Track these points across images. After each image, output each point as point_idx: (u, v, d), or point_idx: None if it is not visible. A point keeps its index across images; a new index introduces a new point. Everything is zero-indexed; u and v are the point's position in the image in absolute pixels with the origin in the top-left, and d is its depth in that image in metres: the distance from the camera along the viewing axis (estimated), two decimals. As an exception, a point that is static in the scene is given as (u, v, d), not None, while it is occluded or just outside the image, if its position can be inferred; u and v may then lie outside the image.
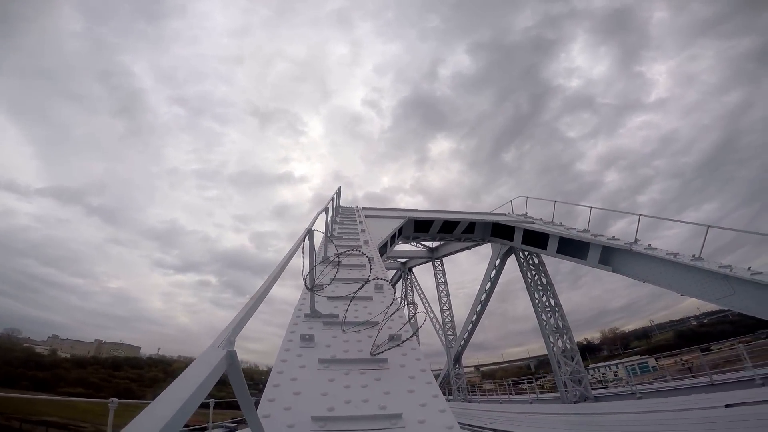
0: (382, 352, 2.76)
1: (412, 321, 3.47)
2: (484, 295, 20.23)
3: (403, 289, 30.71)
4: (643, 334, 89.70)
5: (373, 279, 4.23)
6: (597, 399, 13.52)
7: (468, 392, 23.87)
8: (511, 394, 20.73)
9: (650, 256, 9.57)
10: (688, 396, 8.24)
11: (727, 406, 5.82)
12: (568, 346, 14.80)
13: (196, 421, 11.83)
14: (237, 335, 1.40)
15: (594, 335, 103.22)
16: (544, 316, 15.34)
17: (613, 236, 11.45)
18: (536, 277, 16.07)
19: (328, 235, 5.93)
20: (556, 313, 15.28)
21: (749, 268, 8.15)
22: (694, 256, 9.06)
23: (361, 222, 9.55)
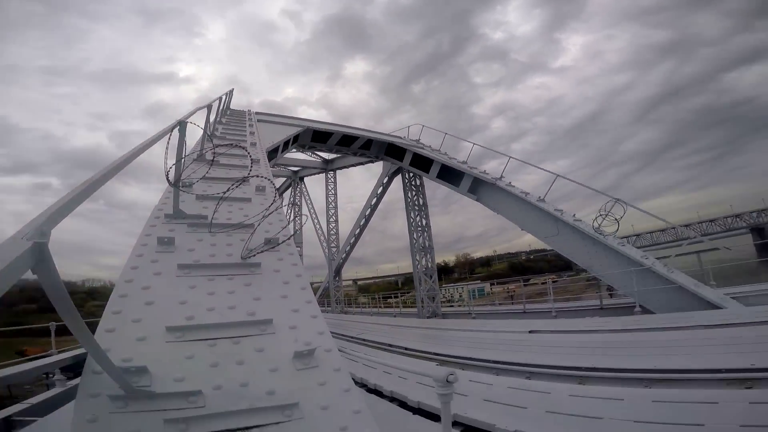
0: (255, 256, 2.53)
1: (293, 226, 3.07)
2: (369, 210, 21.03)
3: (291, 198, 30.10)
4: (486, 261, 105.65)
5: (254, 176, 3.75)
6: (444, 316, 16.01)
7: (345, 304, 25.16)
8: (380, 307, 22.65)
9: (508, 192, 11.24)
10: (506, 320, 9.76)
11: (530, 332, 7.11)
12: (430, 266, 17.05)
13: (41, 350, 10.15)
14: (54, 226, 1.07)
15: (450, 258, 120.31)
16: (415, 235, 17.09)
17: (485, 171, 12.99)
18: (415, 197, 17.44)
19: (209, 133, 5.25)
20: (425, 234, 17.17)
21: (574, 215, 10.21)
22: (539, 197, 10.91)
23: (251, 125, 8.75)
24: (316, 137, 15.57)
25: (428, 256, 17.14)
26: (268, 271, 2.50)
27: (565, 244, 9.84)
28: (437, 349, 6.74)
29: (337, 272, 24.81)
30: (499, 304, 19.45)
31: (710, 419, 2.62)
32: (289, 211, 30.01)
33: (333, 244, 25.24)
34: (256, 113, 12.66)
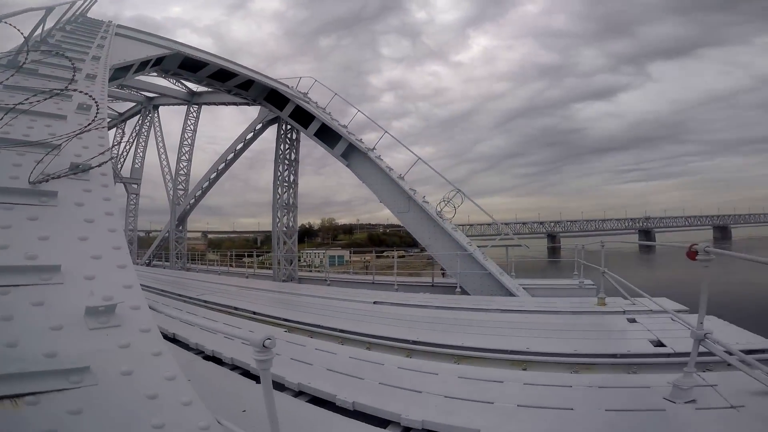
0: (47, 181, 2.03)
1: (116, 151, 2.14)
2: (232, 155, 18.71)
3: (137, 126, 24.80)
4: (349, 229, 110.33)
5: (76, 91, 3.04)
6: (300, 281, 15.42)
7: (188, 260, 22.26)
8: (231, 266, 20.43)
9: (375, 164, 11.29)
10: (357, 290, 9.80)
11: (374, 302, 7.43)
12: (291, 225, 16.17)
13: None
14: None
15: (316, 221, 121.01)
16: (279, 191, 15.90)
17: (360, 139, 12.76)
18: (288, 151, 16.17)
19: (39, 39, 4.49)
20: (291, 191, 16.16)
21: (424, 197, 10.87)
22: (400, 175, 11.27)
23: (104, 37, 7.12)
24: (186, 65, 12.98)
25: (291, 215, 16.25)
26: (67, 205, 2.05)
27: (413, 222, 10.48)
28: (287, 314, 6.41)
29: (181, 220, 21.53)
30: (354, 273, 20.00)
31: (498, 398, 2.86)
32: (130, 141, 24.94)
33: (180, 186, 21.73)
34: (118, 26, 10.24)
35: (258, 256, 23.02)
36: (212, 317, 6.53)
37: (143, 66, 10.84)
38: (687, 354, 3.38)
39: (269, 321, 6.30)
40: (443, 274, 11.73)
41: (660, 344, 3.93)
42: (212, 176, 19.51)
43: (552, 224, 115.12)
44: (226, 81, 14.40)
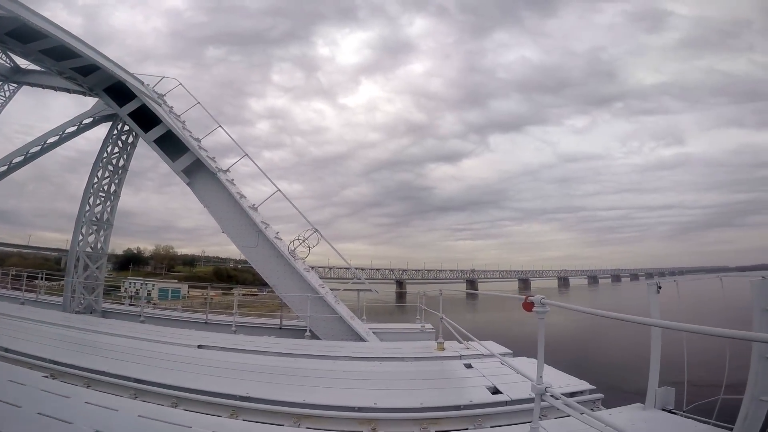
0: None
1: None
2: (39, 148, 14.16)
3: None
4: (191, 260, 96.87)
5: None
6: (104, 314, 11.99)
7: None
8: (7, 287, 15.48)
9: (224, 188, 9.81)
10: (183, 329, 8.35)
11: (199, 346, 6.23)
12: (100, 246, 12.57)
13: None
14: None
15: (148, 247, 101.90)
16: (91, 201, 12.37)
17: (213, 158, 11.13)
18: (117, 155, 12.96)
19: None
20: (108, 203, 12.78)
21: (277, 232, 9.95)
22: (253, 205, 10.12)
23: None
24: (17, 34, 9.63)
25: (101, 233, 12.69)
26: None
27: (260, 259, 9.30)
28: (56, 355, 4.74)
29: None
30: (183, 309, 16.70)
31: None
32: None
33: None
34: None
35: (54, 279, 17.04)
36: None
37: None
38: (522, 401, 3.46)
39: (24, 361, 4.57)
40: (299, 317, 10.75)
41: (497, 391, 4.06)
42: (3, 169, 14.23)
43: (400, 272, 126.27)
44: (61, 60, 10.88)
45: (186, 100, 12.29)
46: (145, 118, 11.36)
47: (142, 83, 12.78)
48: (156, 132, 11.02)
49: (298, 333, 8.76)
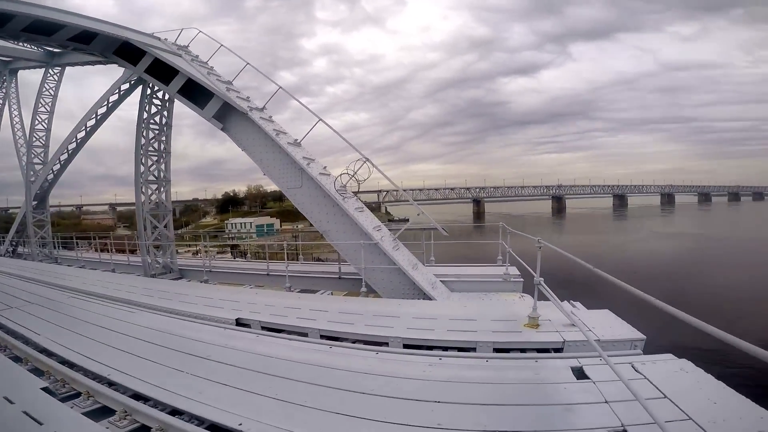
0: None
1: None
2: (94, 121, 14.91)
3: None
4: (279, 196, 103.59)
5: None
6: (181, 273, 12.41)
7: (57, 246, 18.20)
8: (98, 251, 16.94)
9: (258, 127, 8.43)
10: (238, 288, 8.18)
11: (237, 322, 5.61)
12: (164, 203, 12.65)
13: None
14: None
15: (242, 188, 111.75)
16: (144, 161, 12.21)
17: (248, 97, 9.73)
18: (157, 115, 12.40)
19: None
20: (161, 161, 12.56)
21: (325, 167, 8.48)
22: (296, 140, 8.66)
23: None
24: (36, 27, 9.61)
25: (162, 189, 12.71)
26: None
27: (307, 201, 8.01)
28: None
29: (41, 199, 17.68)
30: (247, 260, 16.82)
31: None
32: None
33: (37, 160, 17.70)
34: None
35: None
36: None
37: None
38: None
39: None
40: None
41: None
42: (71, 146, 15.76)
43: (477, 190, 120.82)
44: (51, 34, 10.27)
45: (223, 51, 10.73)
46: (168, 71, 10.19)
47: (158, 39, 11.53)
48: (177, 83, 9.86)
49: (358, 283, 7.68)
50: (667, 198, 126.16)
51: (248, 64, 9.69)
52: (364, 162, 7.89)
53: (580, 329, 3.88)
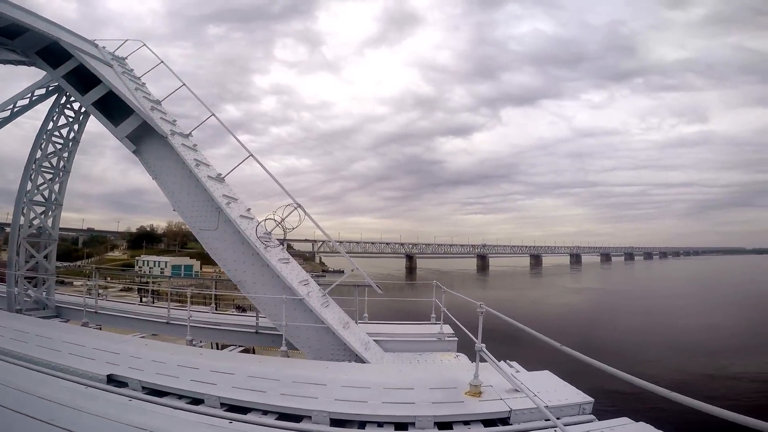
0: None
1: None
2: None
3: None
4: None
5: None
6: (58, 312, 10.09)
7: None
8: None
9: (176, 153, 7.32)
10: (125, 337, 6.75)
11: (108, 379, 4.41)
12: (48, 230, 10.43)
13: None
14: None
15: (161, 224, 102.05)
16: (33, 177, 10.16)
17: (174, 120, 8.74)
18: (65, 127, 10.65)
19: None
20: (56, 180, 10.57)
21: (249, 209, 7.63)
22: (219, 175, 7.74)
23: None
24: None
25: (49, 214, 10.54)
26: None
27: (221, 245, 6.83)
28: None
29: None
30: (141, 302, 14.25)
31: None
32: None
33: None
34: None
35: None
36: None
37: None
38: None
39: None
40: None
41: None
42: None
43: (410, 246, 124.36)
44: None
45: (170, 75, 9.74)
46: (91, 81, 8.95)
47: (95, 45, 10.35)
48: (95, 94, 8.58)
49: (279, 339, 6.59)
50: (575, 258, 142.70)
51: (184, 84, 8.78)
52: (295, 208, 7.12)
53: (528, 395, 3.54)
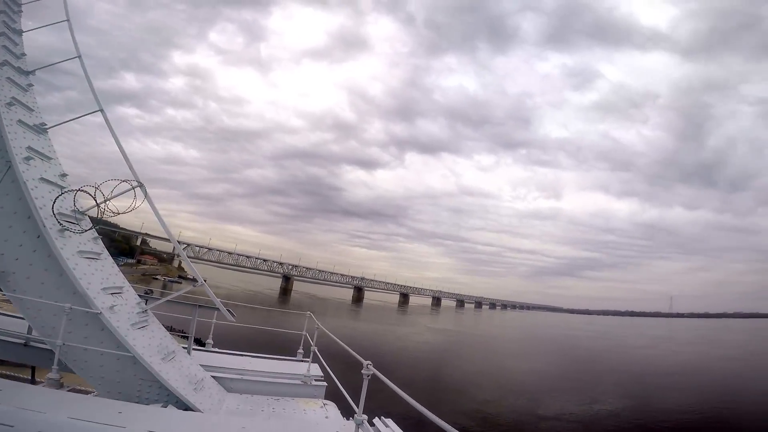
0: None
1: None
2: None
3: None
4: None
5: None
6: None
7: None
8: None
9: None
10: None
11: None
12: None
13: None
14: None
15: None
16: None
17: (23, 54, 5.84)
18: None
19: None
20: None
21: (63, 175, 5.39)
22: (43, 124, 5.31)
23: None
24: None
25: None
26: None
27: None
28: None
29: None
30: None
31: None
32: None
33: None
34: None
35: None
36: None
37: None
38: None
39: None
40: None
41: None
42: None
43: (290, 266, 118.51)
44: None
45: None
46: None
47: None
48: None
49: (48, 358, 4.40)
50: (437, 300, 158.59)
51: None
52: (134, 188, 5.19)
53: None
